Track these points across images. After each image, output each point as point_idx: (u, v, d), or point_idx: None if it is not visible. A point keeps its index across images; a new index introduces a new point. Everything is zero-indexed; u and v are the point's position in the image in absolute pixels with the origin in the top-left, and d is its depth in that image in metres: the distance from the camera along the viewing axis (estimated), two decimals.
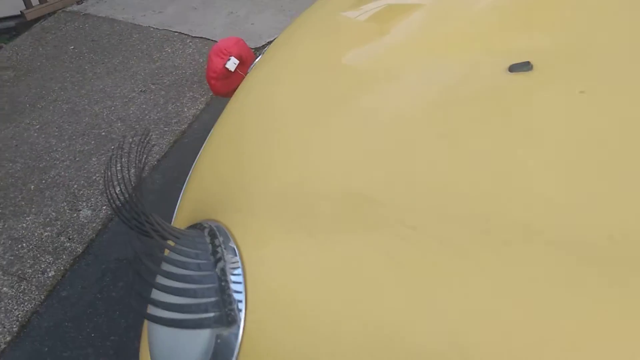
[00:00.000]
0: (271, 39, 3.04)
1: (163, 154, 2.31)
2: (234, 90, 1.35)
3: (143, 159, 0.84)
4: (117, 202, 0.81)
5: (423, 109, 0.84)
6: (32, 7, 3.44)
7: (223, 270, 0.71)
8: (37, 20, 3.47)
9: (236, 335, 0.68)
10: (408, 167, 0.75)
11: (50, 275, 1.82)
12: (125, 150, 1.88)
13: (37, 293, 1.76)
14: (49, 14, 3.54)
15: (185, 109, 2.58)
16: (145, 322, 0.86)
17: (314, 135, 0.86)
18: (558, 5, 1.00)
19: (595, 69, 0.83)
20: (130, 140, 1.95)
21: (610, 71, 0.81)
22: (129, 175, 0.88)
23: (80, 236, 1.96)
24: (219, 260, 0.73)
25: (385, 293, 0.62)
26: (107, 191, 0.83)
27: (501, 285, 0.58)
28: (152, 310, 0.71)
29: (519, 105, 0.79)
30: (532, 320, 0.55)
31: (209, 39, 3.13)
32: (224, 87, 1.33)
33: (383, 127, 0.83)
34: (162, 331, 0.74)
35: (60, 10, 3.59)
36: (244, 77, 1.34)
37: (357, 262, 0.66)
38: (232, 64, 1.30)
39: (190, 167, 1.06)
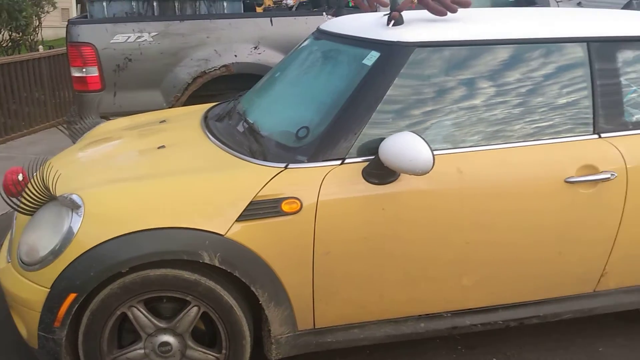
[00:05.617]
0: None
1: None
2: (21, 191, 2.62)
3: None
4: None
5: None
6: None
7: (71, 198, 2.06)
8: None
9: (80, 211, 2.02)
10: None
11: None
12: None
13: None
14: None
15: None
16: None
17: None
18: (169, 133, 2.69)
19: (182, 143, 2.50)
20: None
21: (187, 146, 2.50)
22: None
23: None
24: (66, 197, 2.07)
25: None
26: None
27: None
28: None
29: (164, 152, 2.39)
30: None
31: None
32: (15, 190, 2.58)
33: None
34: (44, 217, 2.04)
35: None
36: (27, 183, 2.63)
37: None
38: (21, 176, 2.59)
39: None
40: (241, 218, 2.04)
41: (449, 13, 2.31)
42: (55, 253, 2.00)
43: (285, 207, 2.07)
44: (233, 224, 2.04)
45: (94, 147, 2.71)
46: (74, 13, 14.98)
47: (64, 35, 6.87)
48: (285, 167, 2.12)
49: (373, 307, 2.25)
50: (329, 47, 2.60)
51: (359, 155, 2.14)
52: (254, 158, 2.20)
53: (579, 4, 5.57)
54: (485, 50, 2.28)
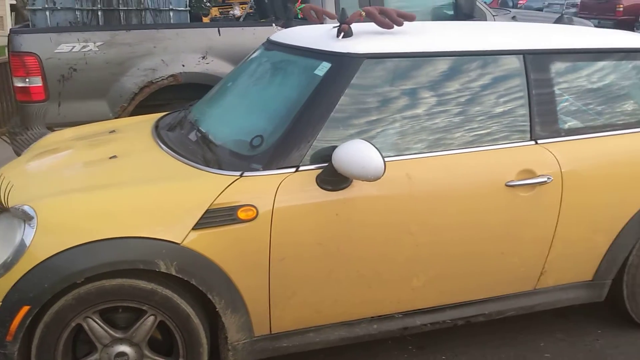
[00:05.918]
0: None
1: None
2: None
3: None
4: None
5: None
6: None
7: (23, 209, 2.03)
8: None
9: (33, 222, 2.00)
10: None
11: None
12: None
13: None
14: None
15: None
16: None
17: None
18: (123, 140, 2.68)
19: (129, 154, 2.50)
20: None
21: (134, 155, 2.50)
22: None
23: None
24: (18, 209, 2.04)
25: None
26: None
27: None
28: None
29: (116, 162, 2.39)
30: None
31: None
32: None
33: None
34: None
35: None
36: None
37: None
38: None
39: None
40: (197, 226, 2.06)
41: (395, 26, 2.42)
42: (7, 266, 1.96)
43: (241, 214, 2.11)
44: (189, 233, 2.06)
45: (44, 158, 2.67)
46: (9, 21, 14.48)
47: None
48: (241, 175, 2.16)
49: (328, 310, 2.31)
50: (280, 58, 2.66)
51: (312, 163, 2.21)
52: (209, 167, 2.23)
53: (514, 18, 5.86)
54: (430, 62, 2.39)
